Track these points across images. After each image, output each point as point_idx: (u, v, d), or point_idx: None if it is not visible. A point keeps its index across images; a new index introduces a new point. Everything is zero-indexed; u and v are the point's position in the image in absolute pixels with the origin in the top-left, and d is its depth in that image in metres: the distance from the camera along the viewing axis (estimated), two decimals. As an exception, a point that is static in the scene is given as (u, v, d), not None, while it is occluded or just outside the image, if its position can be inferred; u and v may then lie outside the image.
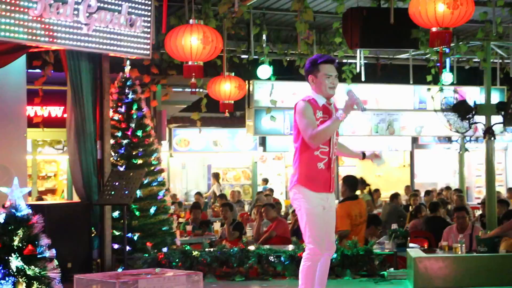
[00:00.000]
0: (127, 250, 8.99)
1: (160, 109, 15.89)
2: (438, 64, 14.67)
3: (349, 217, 9.98)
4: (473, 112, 13.25)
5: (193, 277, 4.19)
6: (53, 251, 4.19)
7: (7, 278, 4.01)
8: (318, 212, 6.19)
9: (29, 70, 10.70)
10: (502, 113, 13.12)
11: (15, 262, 4.03)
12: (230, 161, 22.45)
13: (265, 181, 21.44)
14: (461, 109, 13.23)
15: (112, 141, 9.72)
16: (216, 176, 20.62)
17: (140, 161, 9.88)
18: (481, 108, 13.27)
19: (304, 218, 6.19)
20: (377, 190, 19.74)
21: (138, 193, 9.53)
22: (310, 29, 12.11)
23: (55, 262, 4.18)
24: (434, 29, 8.02)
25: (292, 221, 13.32)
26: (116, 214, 9.55)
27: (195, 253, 9.30)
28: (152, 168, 10.00)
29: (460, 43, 14.05)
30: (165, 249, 9.49)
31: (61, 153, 18.07)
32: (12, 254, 4.04)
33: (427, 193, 17.44)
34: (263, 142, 20.58)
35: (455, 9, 7.83)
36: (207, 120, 18.42)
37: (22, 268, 4.03)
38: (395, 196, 16.33)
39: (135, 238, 9.59)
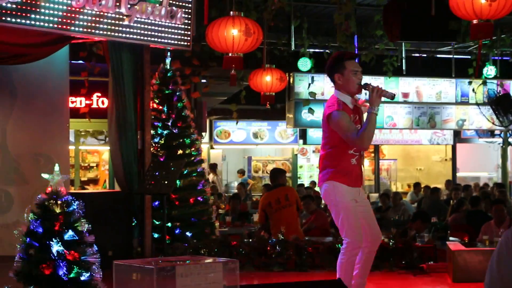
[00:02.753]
0: (166, 239, 9.10)
1: (201, 100, 15.98)
2: (475, 58, 14.57)
3: (263, 209, 10.54)
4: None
5: (230, 265, 4.23)
6: (93, 236, 4.27)
7: (48, 263, 4.09)
8: (353, 206, 6.21)
9: (73, 61, 10.83)
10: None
11: (56, 247, 4.11)
12: (270, 153, 22.51)
13: (241, 173, 21.46)
14: (505, 103, 13.11)
15: (152, 132, 9.81)
16: (213, 167, 20.53)
17: (180, 152, 9.96)
18: (524, 101, 13.15)
19: (341, 212, 6.19)
20: (417, 184, 19.69)
21: (178, 183, 9.61)
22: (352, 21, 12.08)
23: (95, 247, 4.26)
24: (475, 21, 7.97)
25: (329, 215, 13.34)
26: (156, 204, 9.65)
27: (233, 243, 9.36)
28: (192, 158, 10.09)
29: (503, 36, 13.89)
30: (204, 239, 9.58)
31: (103, 143, 18.24)
32: (53, 239, 4.12)
33: (466, 187, 17.29)
34: (303, 134, 20.62)
35: (493, 1, 7.77)
36: (247, 112, 18.49)
37: (62, 252, 4.12)
38: (435, 190, 16.26)
39: (175, 227, 9.68)
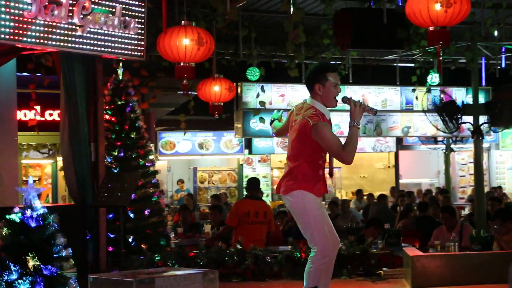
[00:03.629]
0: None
1: (148, 111, 15.85)
2: (419, 66, 14.79)
3: (237, 214, 10.50)
4: (461, 112, 13.32)
5: (209, 275, 4.18)
6: (69, 250, 4.17)
7: (24, 278, 3.98)
8: (321, 214, 6.23)
9: (18, 74, 10.63)
10: (490, 113, 13.21)
11: (32, 261, 4.01)
12: (216, 163, 22.46)
13: (181, 182, 21.57)
14: (450, 109, 13.28)
15: (106, 143, 9.68)
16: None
17: (134, 163, 9.86)
18: (469, 108, 13.35)
19: (311, 221, 6.18)
20: (359, 191, 19.89)
21: (133, 195, 9.50)
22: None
23: (71, 261, 4.17)
24: (431, 28, 8.07)
25: (281, 224, 13.34)
26: (110, 216, 9.51)
27: (191, 254, 9.29)
28: (146, 170, 9.99)
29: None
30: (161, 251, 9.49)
31: (46, 157, 17.97)
32: (29, 254, 4.01)
33: (409, 194, 17.49)
34: (249, 144, 20.63)
35: (448, 8, 7.88)
36: (192, 123, 18.43)
37: (39, 267, 4.01)
38: (382, 197, 16.45)
39: (130, 240, 9.56)
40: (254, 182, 11.21)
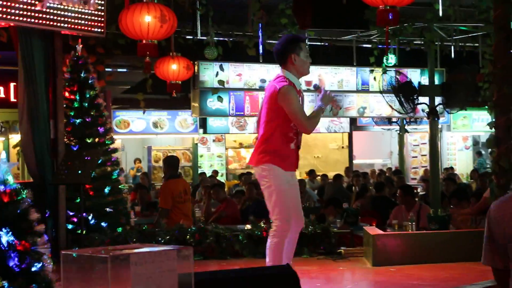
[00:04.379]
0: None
1: (104, 90, 15.66)
2: (381, 46, 14.87)
3: (171, 196, 10.41)
4: (418, 93, 13.45)
5: (184, 252, 4.16)
6: (43, 225, 4.12)
7: (-3, 254, 3.93)
8: (287, 189, 6.27)
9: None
10: (445, 94, 13.37)
11: (5, 237, 3.95)
12: (170, 142, 22.36)
13: (139, 161, 21.62)
14: (406, 90, 13.41)
15: (65, 121, 9.56)
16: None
17: (93, 141, 9.75)
18: (425, 89, 13.49)
19: (274, 195, 6.24)
20: (312, 171, 20.00)
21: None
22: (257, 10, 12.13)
23: (45, 236, 4.12)
24: (381, 7, 8.02)
25: (239, 203, 13.35)
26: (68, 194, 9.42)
27: (152, 232, 9.25)
28: (106, 147, 9.90)
29: (405, 24, 14.19)
30: (119, 229, 9.43)
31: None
32: (3, 229, 3.95)
33: (364, 174, 17.65)
34: (203, 124, 20.56)
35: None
36: (147, 101, 18.24)
37: (13, 243, 3.95)
38: (338, 177, 16.55)
39: (90, 218, 9.48)
40: (176, 161, 11.30)
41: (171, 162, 11.14)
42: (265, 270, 5.43)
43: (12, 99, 13.66)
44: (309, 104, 19.09)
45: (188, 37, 14.39)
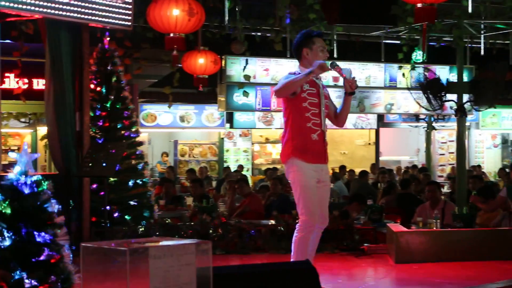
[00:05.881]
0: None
1: (131, 83, 15.72)
2: (405, 43, 14.76)
3: None
4: (446, 90, 13.32)
5: (202, 246, 4.15)
6: (63, 217, 4.13)
7: (17, 245, 3.94)
8: (312, 185, 6.19)
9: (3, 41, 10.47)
10: (474, 91, 13.23)
11: (25, 228, 3.96)
12: (197, 137, 22.40)
13: (166, 154, 21.66)
14: (434, 87, 13.28)
15: (91, 113, 9.59)
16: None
17: (119, 134, 9.78)
18: (454, 86, 13.35)
19: (298, 190, 6.20)
20: (343, 167, 19.90)
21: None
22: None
23: (65, 228, 4.13)
24: (419, 5, 8.02)
25: (264, 198, 13.32)
26: (93, 187, 9.45)
27: (175, 226, 9.27)
28: (131, 141, 9.92)
29: (436, 21, 14.07)
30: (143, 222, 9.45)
31: (26, 126, 17.81)
32: (23, 220, 3.97)
33: (389, 171, 17.55)
34: (230, 118, 20.57)
35: (438, -15, 7.84)
36: (174, 95, 18.28)
37: (32, 234, 3.97)
38: (364, 173, 16.45)
39: (113, 211, 9.50)
40: None
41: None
42: (283, 265, 5.42)
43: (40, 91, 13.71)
44: (336, 100, 19.05)
45: (216, 31, 14.40)
